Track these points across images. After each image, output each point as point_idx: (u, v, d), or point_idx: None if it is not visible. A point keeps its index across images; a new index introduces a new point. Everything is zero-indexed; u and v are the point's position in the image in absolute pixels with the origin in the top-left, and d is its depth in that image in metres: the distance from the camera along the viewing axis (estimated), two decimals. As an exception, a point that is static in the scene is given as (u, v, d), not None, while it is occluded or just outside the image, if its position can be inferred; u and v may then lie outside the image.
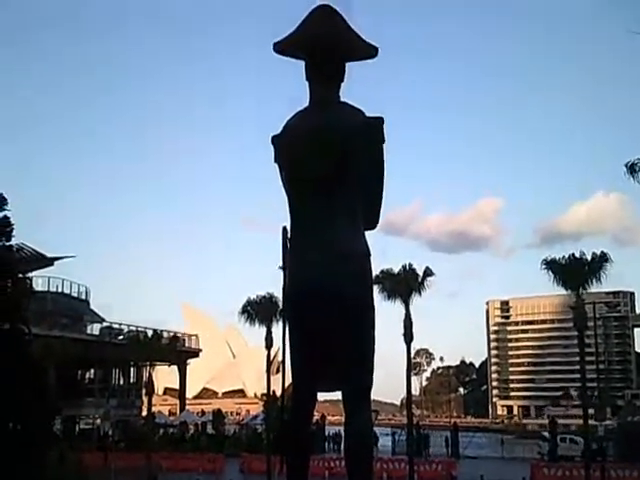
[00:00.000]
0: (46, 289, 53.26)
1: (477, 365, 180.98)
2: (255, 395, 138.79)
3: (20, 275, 31.71)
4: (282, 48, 3.84)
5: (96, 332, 58.11)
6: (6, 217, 32.29)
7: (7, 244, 31.75)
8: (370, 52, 3.85)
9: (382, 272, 54.54)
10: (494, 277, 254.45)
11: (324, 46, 3.72)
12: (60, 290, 56.40)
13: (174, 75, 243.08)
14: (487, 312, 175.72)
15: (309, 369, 3.59)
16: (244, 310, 65.69)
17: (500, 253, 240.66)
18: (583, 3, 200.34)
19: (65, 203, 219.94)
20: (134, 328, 60.72)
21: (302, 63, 3.84)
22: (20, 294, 29.92)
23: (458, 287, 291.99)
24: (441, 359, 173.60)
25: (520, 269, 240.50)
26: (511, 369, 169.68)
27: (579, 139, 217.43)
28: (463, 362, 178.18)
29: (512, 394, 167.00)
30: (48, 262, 52.61)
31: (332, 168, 3.58)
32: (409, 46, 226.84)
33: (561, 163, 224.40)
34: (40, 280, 52.07)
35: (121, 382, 62.67)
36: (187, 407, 72.38)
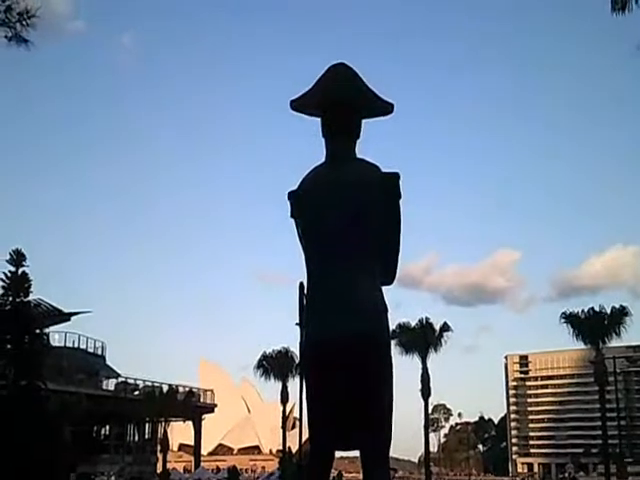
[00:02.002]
0: (63, 344, 53.36)
1: (496, 421, 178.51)
2: (270, 451, 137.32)
3: (38, 331, 31.91)
4: (298, 106, 3.90)
5: (112, 387, 57.95)
6: (24, 273, 32.63)
7: (25, 300, 32.04)
8: (386, 109, 3.90)
9: (399, 326, 54.47)
10: (511, 331, 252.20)
11: (340, 104, 3.77)
12: (76, 345, 56.46)
13: (191, 129, 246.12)
14: (506, 367, 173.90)
15: (326, 427, 3.56)
16: (260, 365, 65.69)
17: (517, 306, 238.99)
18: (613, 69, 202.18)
19: (82, 258, 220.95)
20: (150, 383, 60.61)
21: (318, 120, 3.89)
22: (37, 350, 30.02)
23: (475, 341, 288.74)
24: (459, 415, 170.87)
25: (537, 322, 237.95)
26: (531, 425, 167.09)
27: (597, 191, 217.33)
28: (482, 418, 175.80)
29: (532, 451, 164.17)
30: (65, 317, 52.81)
31: (349, 224, 3.60)
32: (423, 96, 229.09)
33: (578, 215, 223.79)
34: (57, 335, 52.33)
35: (136, 438, 62.23)
36: (202, 464, 71.71)
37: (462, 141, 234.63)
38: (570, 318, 48.92)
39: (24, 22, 13.78)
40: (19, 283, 31.65)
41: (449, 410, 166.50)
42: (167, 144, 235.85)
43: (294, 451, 72.28)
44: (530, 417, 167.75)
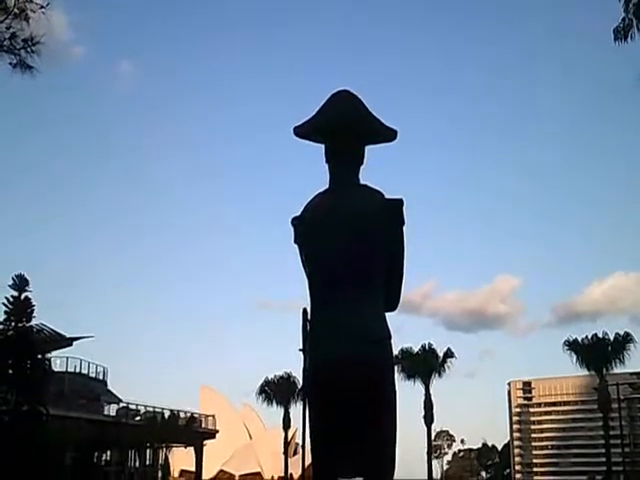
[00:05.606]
0: (64, 369, 53.21)
1: (499, 448, 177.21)
2: (272, 478, 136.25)
3: (40, 356, 31.89)
4: (302, 132, 3.92)
5: (113, 413, 57.67)
6: (27, 298, 32.65)
7: (27, 325, 32.04)
8: (390, 135, 3.93)
9: (401, 351, 54.26)
10: (512, 357, 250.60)
11: (344, 130, 3.79)
12: (78, 370, 56.30)
13: (192, 155, 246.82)
14: (509, 393, 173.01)
15: (330, 453, 3.54)
16: (262, 390, 65.42)
17: (517, 332, 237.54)
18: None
19: (84, 283, 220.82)
20: (151, 409, 60.33)
21: (321, 146, 3.91)
22: (39, 376, 29.98)
23: (477, 367, 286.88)
24: (462, 441, 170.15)
25: (538, 349, 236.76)
26: (534, 452, 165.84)
27: (598, 218, 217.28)
28: (485, 445, 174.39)
29: (536, 478, 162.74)
30: (67, 342, 52.69)
31: (352, 250, 3.61)
32: (424, 121, 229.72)
33: (579, 242, 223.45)
34: (59, 360, 52.20)
35: (137, 464, 61.83)
36: (203, 490, 71.10)
37: (462, 167, 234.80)
38: (573, 345, 48.80)
39: (29, 49, 13.91)
40: (22, 308, 31.70)
41: (452, 437, 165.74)
42: (167, 169, 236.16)
43: (296, 478, 71.80)
44: (534, 444, 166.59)
